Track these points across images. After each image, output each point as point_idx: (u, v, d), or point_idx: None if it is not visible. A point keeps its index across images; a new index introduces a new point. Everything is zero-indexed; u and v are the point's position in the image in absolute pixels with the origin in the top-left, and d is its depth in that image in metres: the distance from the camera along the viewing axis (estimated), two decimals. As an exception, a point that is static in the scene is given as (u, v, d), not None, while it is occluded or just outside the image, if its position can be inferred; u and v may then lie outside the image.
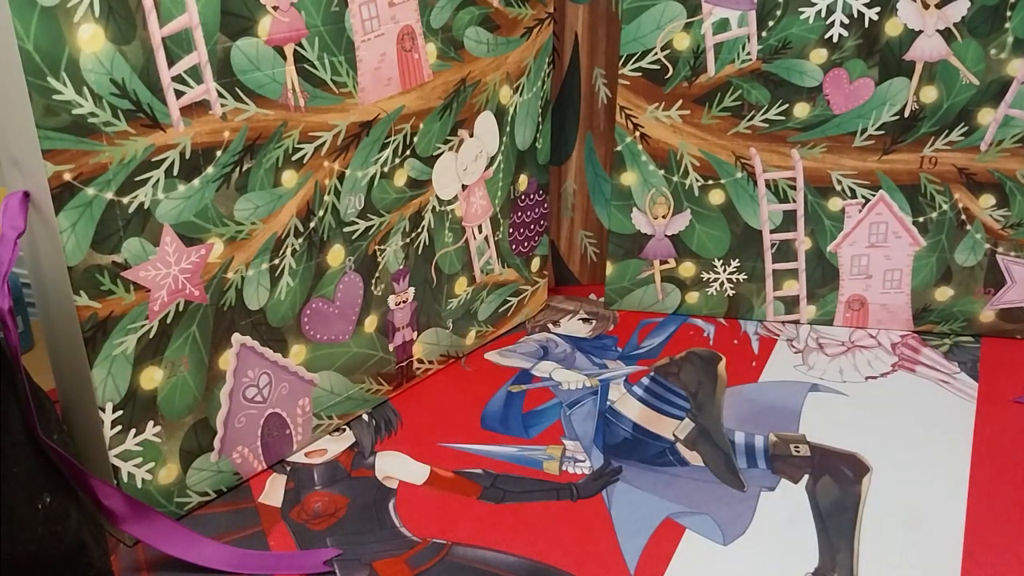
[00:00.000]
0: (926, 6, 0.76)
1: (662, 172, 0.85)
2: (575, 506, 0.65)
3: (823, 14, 0.77)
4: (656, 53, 0.81)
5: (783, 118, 0.81)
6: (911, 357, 0.83)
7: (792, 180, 0.83)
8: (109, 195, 0.53)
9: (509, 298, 0.87)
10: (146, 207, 0.55)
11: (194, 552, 0.58)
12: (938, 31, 0.77)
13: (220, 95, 0.57)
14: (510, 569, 0.59)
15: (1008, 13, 0.75)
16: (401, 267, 0.74)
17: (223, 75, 0.57)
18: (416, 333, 0.78)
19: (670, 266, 0.88)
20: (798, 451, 0.70)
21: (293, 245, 0.65)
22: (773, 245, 0.86)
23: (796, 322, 0.88)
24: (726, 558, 0.60)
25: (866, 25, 0.77)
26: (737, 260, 0.87)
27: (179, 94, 0.55)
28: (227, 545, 0.60)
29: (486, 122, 0.77)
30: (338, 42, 0.63)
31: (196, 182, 0.57)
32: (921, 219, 0.82)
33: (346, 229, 0.68)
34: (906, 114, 0.79)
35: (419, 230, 0.74)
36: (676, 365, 0.82)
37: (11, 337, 0.49)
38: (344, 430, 0.73)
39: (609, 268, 0.90)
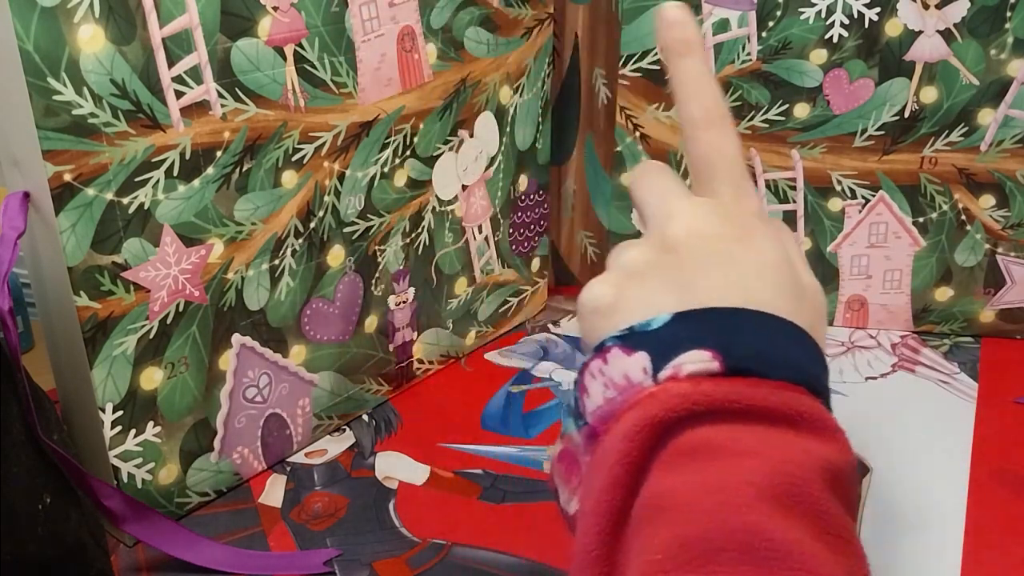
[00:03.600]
0: (926, 6, 0.76)
1: (662, 172, 0.85)
2: (575, 506, 0.65)
3: (823, 14, 0.77)
4: (656, 53, 0.81)
5: (783, 118, 0.81)
6: (911, 357, 0.83)
7: (792, 180, 0.83)
8: (109, 195, 0.53)
9: (509, 298, 0.87)
10: (146, 207, 0.55)
11: (194, 552, 0.58)
12: (938, 31, 0.77)
13: (220, 95, 0.57)
14: (510, 570, 0.59)
15: (1008, 14, 0.75)
16: (401, 267, 0.74)
17: (223, 75, 0.57)
18: (416, 333, 0.78)
19: (670, 266, 0.88)
20: (798, 451, 0.70)
21: (293, 245, 0.65)
22: (773, 245, 0.85)
23: (796, 322, 0.88)
24: (726, 558, 0.60)
25: (866, 25, 0.77)
26: (737, 260, 0.87)
27: (179, 94, 0.55)
28: (227, 545, 0.60)
29: (486, 122, 0.77)
30: (338, 42, 0.63)
31: (196, 182, 0.57)
32: (921, 219, 0.82)
33: (346, 229, 0.68)
34: (906, 114, 0.79)
35: (419, 230, 0.74)
36: (676, 365, 0.82)
37: (11, 337, 0.49)
38: (344, 430, 0.73)
39: (609, 268, 0.89)
